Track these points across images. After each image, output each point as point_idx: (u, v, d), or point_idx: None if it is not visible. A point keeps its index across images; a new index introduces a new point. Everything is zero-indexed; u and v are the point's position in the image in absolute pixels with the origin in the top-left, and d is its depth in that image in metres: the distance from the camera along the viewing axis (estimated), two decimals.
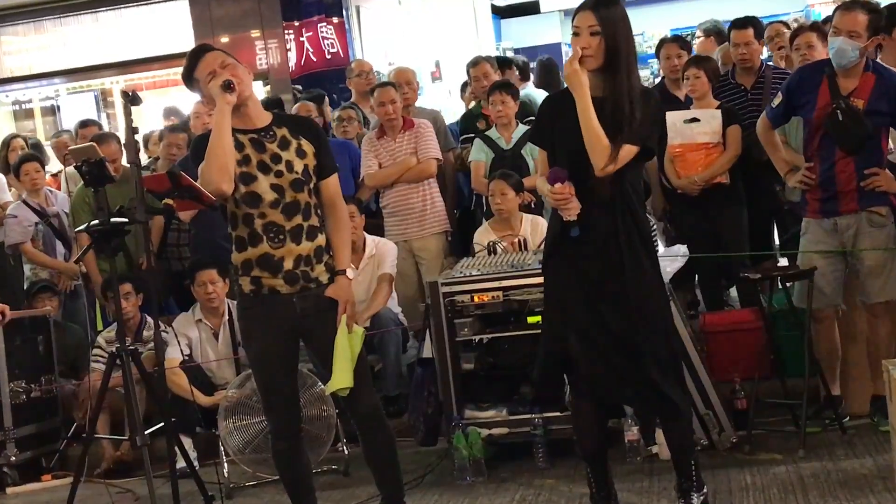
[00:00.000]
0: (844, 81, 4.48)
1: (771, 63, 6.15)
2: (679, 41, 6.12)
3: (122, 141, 5.62)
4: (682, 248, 4.88)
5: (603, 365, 3.55)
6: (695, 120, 5.51)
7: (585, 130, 3.46)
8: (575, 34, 3.52)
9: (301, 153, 3.69)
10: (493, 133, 6.08)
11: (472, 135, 6.31)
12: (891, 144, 4.70)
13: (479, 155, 6.07)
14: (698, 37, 8.19)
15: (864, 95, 4.44)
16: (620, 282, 3.51)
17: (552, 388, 3.71)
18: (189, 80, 3.70)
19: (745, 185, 5.61)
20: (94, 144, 4.79)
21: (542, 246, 4.35)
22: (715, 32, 7.25)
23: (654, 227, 5.53)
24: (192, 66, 3.66)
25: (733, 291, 6.09)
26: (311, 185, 3.69)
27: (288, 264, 3.63)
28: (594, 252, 3.53)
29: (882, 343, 4.65)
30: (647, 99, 3.55)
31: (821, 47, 5.20)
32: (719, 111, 5.51)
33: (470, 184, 6.29)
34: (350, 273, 3.76)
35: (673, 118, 5.54)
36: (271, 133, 3.70)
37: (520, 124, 6.06)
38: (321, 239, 3.70)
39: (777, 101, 4.68)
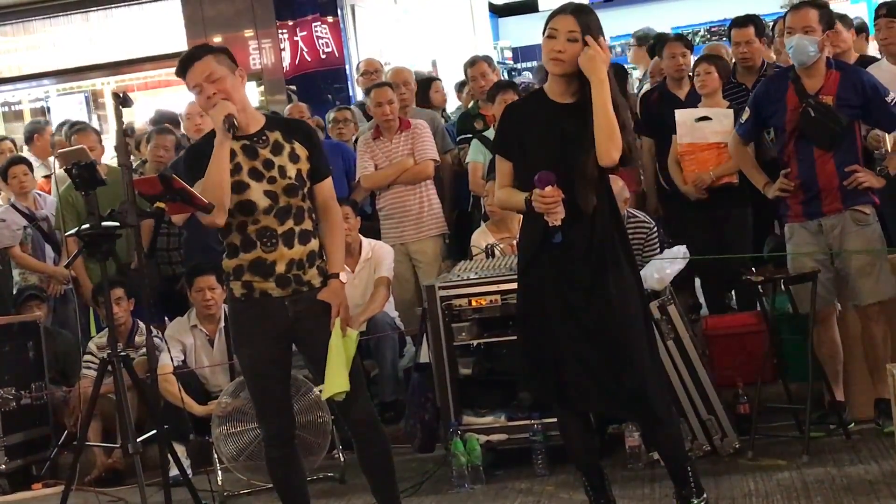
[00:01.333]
0: (809, 82, 4.52)
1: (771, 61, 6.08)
2: (682, 40, 6.05)
3: (114, 144, 5.56)
4: (682, 250, 4.81)
5: (586, 373, 3.52)
6: (706, 118, 5.43)
7: (607, 118, 3.42)
8: (550, 37, 3.46)
9: (294, 157, 3.64)
10: (490, 133, 6.01)
11: (470, 135, 6.25)
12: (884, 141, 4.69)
13: (477, 156, 6.01)
14: (631, 45, 8.14)
15: (832, 91, 4.48)
16: (604, 288, 3.48)
17: (552, 394, 3.65)
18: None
19: (750, 185, 5.54)
20: (85, 147, 4.72)
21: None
22: (647, 42, 7.20)
23: (655, 228, 5.47)
24: (182, 73, 3.61)
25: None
26: (305, 190, 3.65)
27: (280, 268, 3.58)
28: (578, 258, 3.49)
29: (879, 345, 4.64)
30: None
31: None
32: (731, 111, 5.43)
33: (467, 185, 6.22)
34: (343, 276, 3.71)
35: (683, 116, 5.47)
36: (264, 138, 3.64)
37: None
38: (314, 243, 3.66)
39: (745, 115, 4.72)
